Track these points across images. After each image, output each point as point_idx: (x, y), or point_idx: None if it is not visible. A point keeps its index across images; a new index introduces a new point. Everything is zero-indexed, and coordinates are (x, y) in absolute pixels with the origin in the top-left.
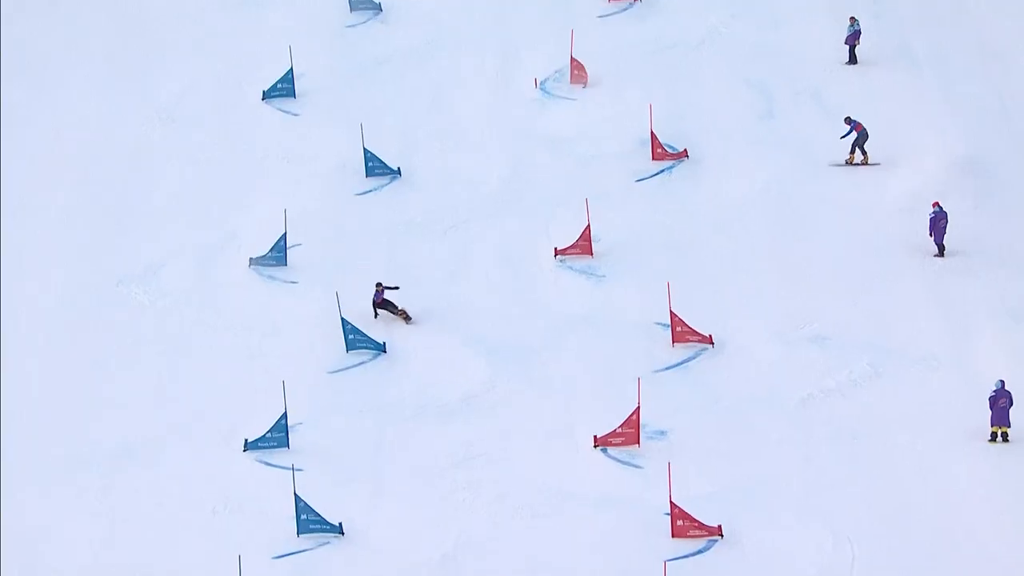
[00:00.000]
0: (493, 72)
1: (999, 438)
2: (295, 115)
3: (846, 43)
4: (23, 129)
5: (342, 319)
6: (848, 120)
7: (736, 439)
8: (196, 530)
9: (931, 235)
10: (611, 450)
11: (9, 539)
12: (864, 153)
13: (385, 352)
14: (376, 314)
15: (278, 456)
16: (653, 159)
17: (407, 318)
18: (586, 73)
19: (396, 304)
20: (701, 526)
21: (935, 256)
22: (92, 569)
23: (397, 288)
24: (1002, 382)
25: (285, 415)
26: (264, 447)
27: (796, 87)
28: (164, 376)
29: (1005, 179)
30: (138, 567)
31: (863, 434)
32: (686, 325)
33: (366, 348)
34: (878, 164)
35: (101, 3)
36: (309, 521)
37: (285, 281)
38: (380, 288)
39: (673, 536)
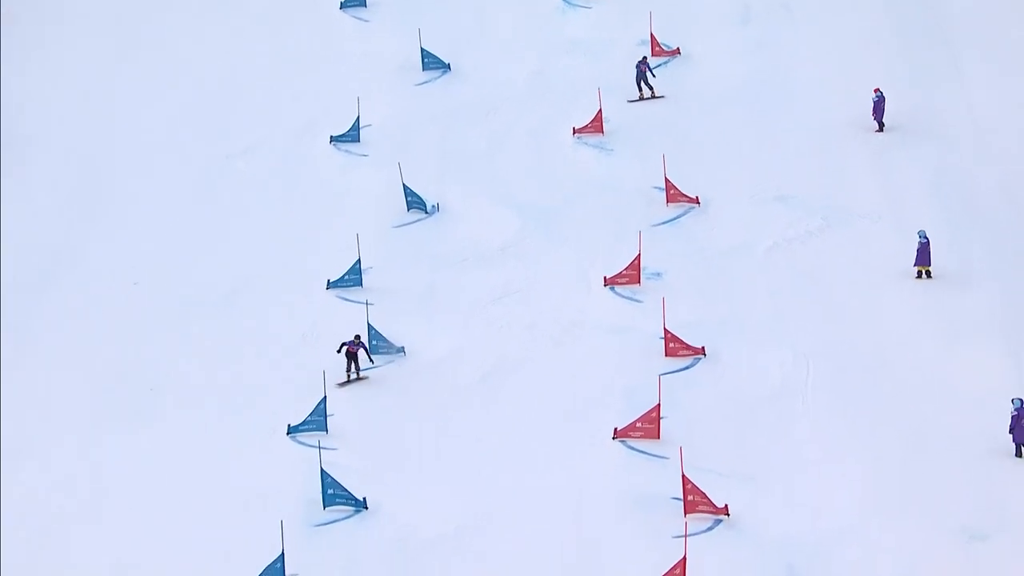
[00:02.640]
0: None
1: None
2: (366, 21)
3: None
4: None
5: (403, 185)
6: None
7: (716, 279)
8: (288, 352)
9: (873, 115)
10: (617, 288)
11: (135, 372)
12: (650, 89)
13: (438, 211)
14: (348, 365)
15: (354, 293)
16: (652, 55)
17: (348, 380)
18: None
19: (358, 364)
20: (688, 347)
21: (876, 132)
22: (206, 384)
23: (372, 362)
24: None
25: (359, 261)
26: (343, 286)
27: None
28: (261, 226)
29: (935, 63)
30: (244, 386)
31: (817, 274)
32: (677, 189)
33: (421, 209)
34: (663, 97)
35: None
36: (378, 345)
37: (359, 155)
38: (358, 339)
39: (666, 356)
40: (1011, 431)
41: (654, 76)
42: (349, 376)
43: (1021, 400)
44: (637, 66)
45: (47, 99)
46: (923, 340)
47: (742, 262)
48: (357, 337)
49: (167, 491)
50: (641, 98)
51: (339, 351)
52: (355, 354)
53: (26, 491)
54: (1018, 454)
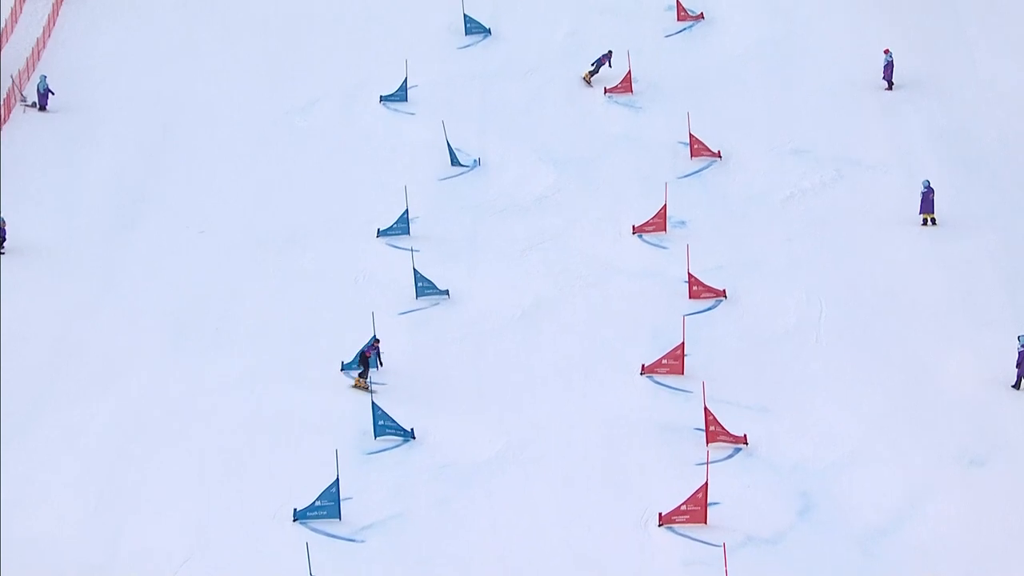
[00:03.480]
0: None
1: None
2: None
3: None
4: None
5: (447, 141)
6: None
7: (737, 226)
8: (341, 295)
9: (883, 75)
10: (645, 235)
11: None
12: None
13: (479, 165)
14: (370, 364)
15: (402, 241)
16: (678, 20)
17: (365, 387)
18: None
19: (367, 370)
20: (710, 289)
21: (885, 90)
22: (267, 322)
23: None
24: None
25: (407, 211)
26: (392, 235)
27: None
28: (317, 178)
29: (942, 27)
30: (301, 324)
31: (830, 222)
32: (701, 143)
33: (464, 166)
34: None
35: None
36: (424, 287)
37: (406, 112)
38: (377, 344)
39: (690, 298)
40: (1018, 366)
41: (610, 67)
42: (364, 382)
43: None
44: (602, 58)
45: (126, 56)
46: (927, 282)
47: (760, 211)
48: (376, 340)
49: (233, 419)
50: (587, 78)
51: (361, 357)
52: (368, 359)
53: (109, 417)
54: (1016, 386)
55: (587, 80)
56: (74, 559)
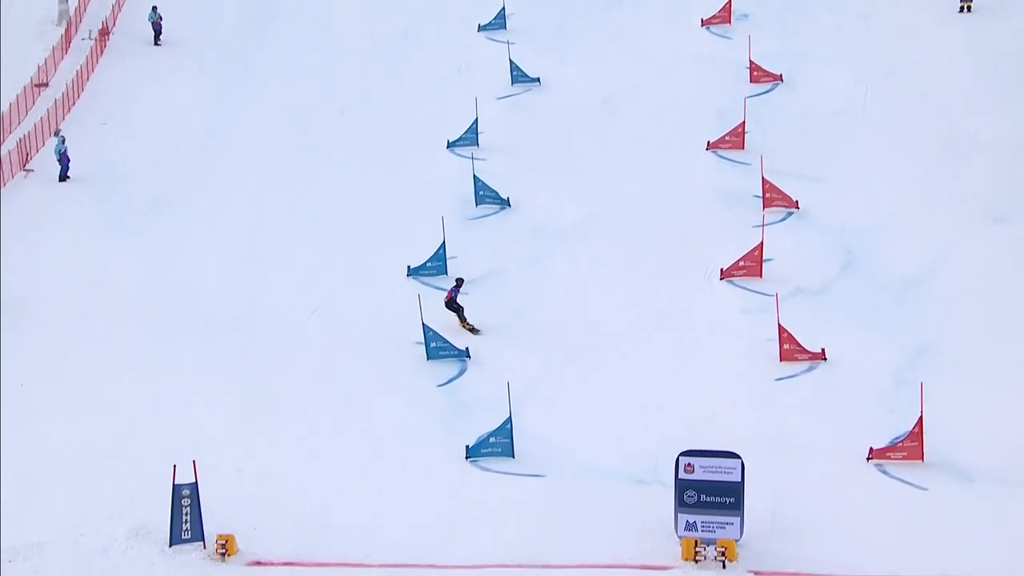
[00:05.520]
0: None
1: None
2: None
3: None
4: None
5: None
6: None
7: (793, 17)
8: (448, 82)
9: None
10: (712, 27)
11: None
12: None
13: None
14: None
15: (497, 34)
16: None
17: (472, 329)
18: None
19: (464, 313)
20: (768, 74)
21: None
22: (384, 108)
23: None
24: None
25: (504, 8)
26: (490, 29)
27: None
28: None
29: None
30: (412, 107)
31: (876, 13)
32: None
33: None
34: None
35: None
36: (518, 76)
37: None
38: (460, 284)
39: (750, 82)
40: None
41: None
42: (468, 323)
43: None
44: None
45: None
46: (962, 62)
47: (814, 2)
48: (459, 281)
49: (356, 191)
50: None
51: (449, 303)
52: (458, 304)
53: (256, 187)
54: None
55: None
56: (220, 310)
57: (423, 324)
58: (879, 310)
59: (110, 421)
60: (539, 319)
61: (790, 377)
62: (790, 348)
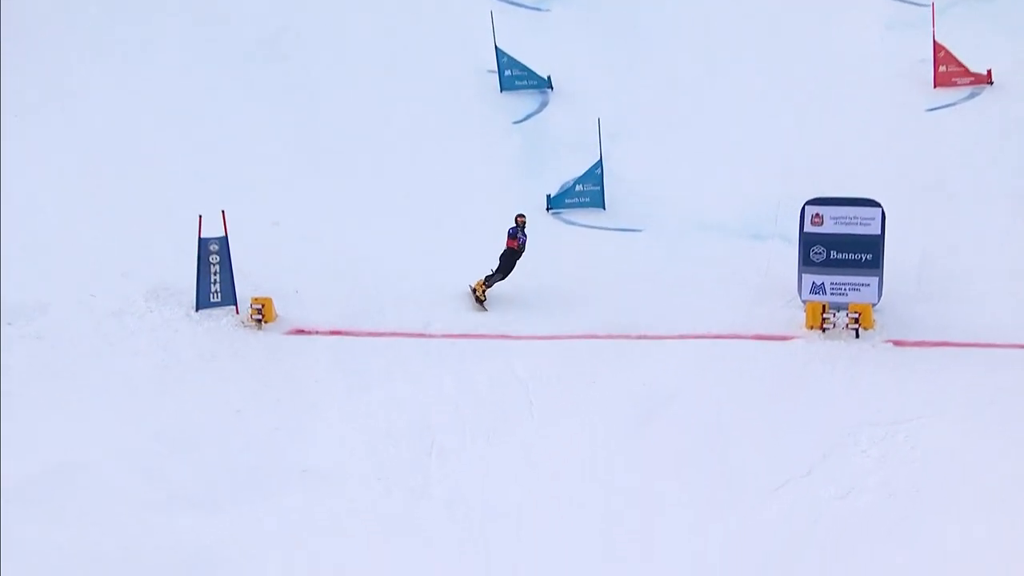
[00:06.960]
0: None
1: None
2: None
3: None
4: None
5: None
6: None
7: None
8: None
9: None
10: None
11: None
12: None
13: None
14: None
15: None
16: None
17: (480, 299)
18: None
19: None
20: None
21: None
22: None
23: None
24: None
25: None
26: None
27: None
28: None
29: None
30: None
31: None
32: None
33: None
34: None
35: None
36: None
37: None
38: (522, 222)
39: None
40: None
41: None
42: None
43: None
44: None
45: None
46: None
47: None
48: (520, 217)
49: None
50: None
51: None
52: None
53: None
54: None
55: None
56: (258, 38)
57: (495, 47)
58: None
59: (123, 162)
60: (639, 41)
61: (947, 107)
62: (947, 71)
